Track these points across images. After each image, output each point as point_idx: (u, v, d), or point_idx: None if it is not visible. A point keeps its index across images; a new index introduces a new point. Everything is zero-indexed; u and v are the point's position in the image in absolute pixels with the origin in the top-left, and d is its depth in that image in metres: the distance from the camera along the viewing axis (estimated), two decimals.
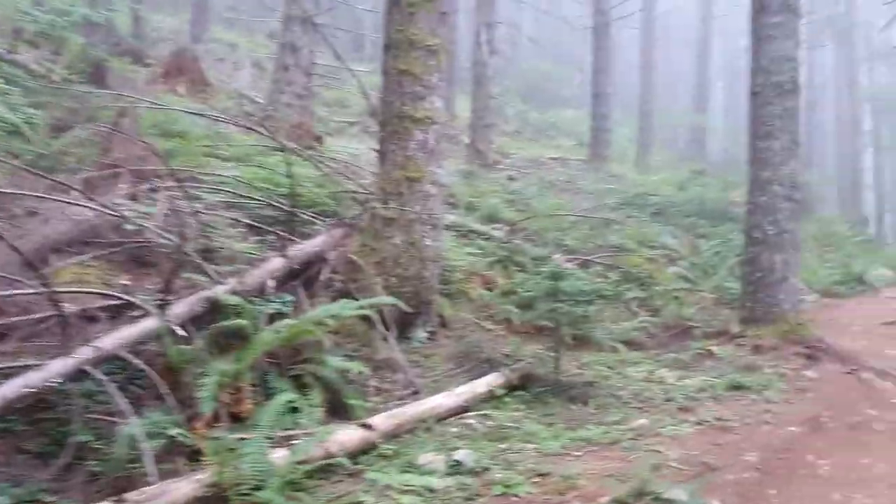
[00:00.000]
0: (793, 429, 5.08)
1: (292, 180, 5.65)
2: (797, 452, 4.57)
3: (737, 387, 5.94)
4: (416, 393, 5.07)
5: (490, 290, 7.12)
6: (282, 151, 6.19)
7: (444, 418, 4.88)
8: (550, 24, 23.48)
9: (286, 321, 4.75)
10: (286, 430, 4.23)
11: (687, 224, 13.26)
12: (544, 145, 18.07)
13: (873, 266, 14.91)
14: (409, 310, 5.28)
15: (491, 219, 9.21)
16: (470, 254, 7.61)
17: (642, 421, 4.99)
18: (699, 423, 5.04)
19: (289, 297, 5.03)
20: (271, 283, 4.94)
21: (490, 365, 5.75)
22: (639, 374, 6.35)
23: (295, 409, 4.44)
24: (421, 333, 5.70)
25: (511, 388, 5.50)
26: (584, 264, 8.95)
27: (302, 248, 5.34)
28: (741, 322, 7.43)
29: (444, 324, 6.06)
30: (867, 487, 4.03)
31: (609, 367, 6.47)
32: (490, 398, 5.28)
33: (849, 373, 6.54)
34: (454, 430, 4.77)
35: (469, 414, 5.03)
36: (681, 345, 7.41)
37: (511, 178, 12.93)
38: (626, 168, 18.27)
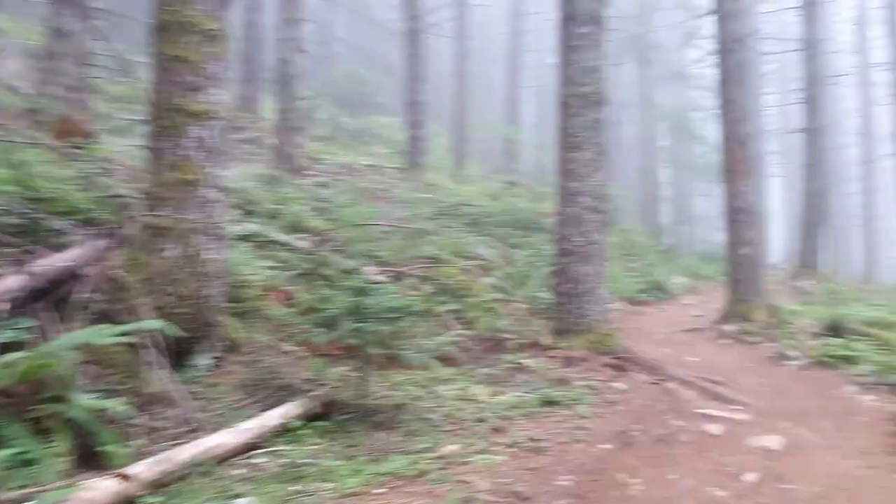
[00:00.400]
0: (604, 445, 5.04)
1: (29, 180, 4.73)
2: (609, 472, 4.50)
3: (549, 402, 5.87)
4: (194, 431, 4.39)
5: (291, 307, 6.55)
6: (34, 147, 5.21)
7: (227, 459, 4.26)
8: (364, 28, 23.26)
9: (22, 353, 3.90)
10: (20, 488, 3.43)
11: (501, 234, 13.46)
12: (359, 152, 17.71)
13: (672, 274, 16.10)
14: (185, 334, 4.59)
15: (295, 228, 8.62)
16: (268, 267, 7.00)
17: (452, 447, 4.69)
18: (511, 446, 4.84)
19: (29, 323, 4.17)
20: (4, 306, 4.05)
21: (288, 392, 5.21)
22: (451, 393, 6.09)
23: (30, 462, 3.63)
24: (204, 360, 5.02)
25: (311, 418, 4.99)
26: (397, 276, 8.64)
27: (50, 263, 4.47)
28: (553, 333, 7.47)
29: (233, 348, 5.41)
30: None
31: (421, 387, 6.16)
32: (284, 431, 4.73)
33: (655, 383, 6.74)
34: (238, 472, 4.17)
35: (258, 452, 4.45)
36: (494, 358, 7.30)
37: (321, 185, 12.38)
38: (442, 178, 18.38)
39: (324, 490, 3.93)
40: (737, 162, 10.66)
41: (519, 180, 21.62)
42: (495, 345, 7.74)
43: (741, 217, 10.47)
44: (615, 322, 11.28)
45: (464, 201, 15.12)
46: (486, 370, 6.78)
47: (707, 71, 32.20)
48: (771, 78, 32.66)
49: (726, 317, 10.29)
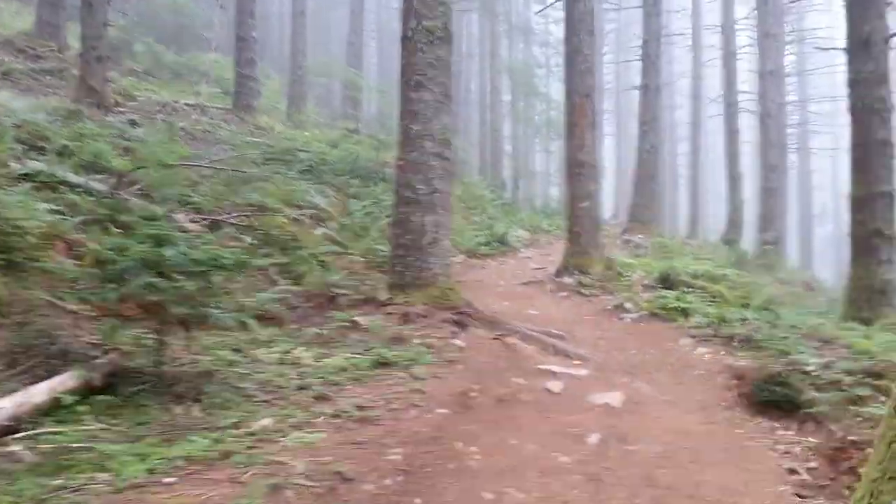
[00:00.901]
0: (441, 410, 4.62)
1: None
2: (446, 441, 4.07)
3: (383, 363, 5.37)
4: None
5: (77, 258, 5.54)
6: None
7: None
8: None
9: None
10: None
11: (338, 183, 12.72)
12: (181, 90, 16.08)
13: (512, 228, 16.14)
14: None
15: (93, 168, 7.45)
16: (53, 211, 5.90)
17: (266, 421, 4.06)
18: (337, 416, 4.29)
19: None
20: None
21: (64, 361, 4.31)
22: (272, 357, 5.44)
23: None
24: None
25: (93, 391, 4.14)
26: (215, 225, 7.75)
27: None
28: (390, 288, 6.96)
29: None
30: (518, 478, 3.63)
31: (235, 351, 5.44)
32: (55, 409, 3.87)
33: (496, 339, 6.44)
34: None
35: (17, 436, 3.58)
36: (325, 316, 6.68)
37: (134, 124, 10.99)
38: (275, 122, 17.22)
39: (96, 482, 3.18)
40: (581, 115, 10.59)
41: (360, 128, 20.82)
42: (326, 301, 7.11)
43: (582, 171, 10.45)
44: (456, 275, 11.07)
45: (298, 147, 14.18)
46: (314, 330, 6.15)
47: (552, 27, 32.87)
48: (608, 36, 33.79)
49: (565, 269, 10.30)
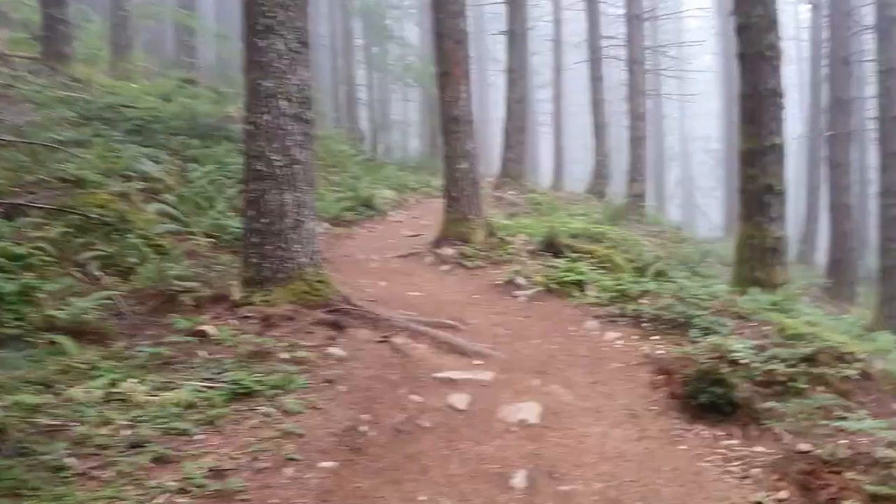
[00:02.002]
0: (326, 464, 3.62)
1: None
2: None
3: (242, 393, 4.26)
4: None
5: None
6: None
7: None
8: None
9: None
10: None
11: (174, 145, 11.07)
12: None
13: (378, 188, 15.06)
14: None
15: None
16: None
17: None
18: (184, 491, 3.19)
19: None
20: None
21: None
22: (92, 395, 4.17)
23: None
24: None
25: None
26: (15, 211, 6.19)
27: None
28: (245, 284, 5.77)
29: None
30: None
31: (41, 389, 4.14)
32: None
33: (382, 341, 5.47)
34: None
35: None
36: (163, 325, 5.41)
37: None
38: (97, 73, 14.99)
39: None
40: (454, 63, 9.61)
41: (198, 77, 18.75)
42: (165, 302, 5.82)
43: (459, 128, 9.53)
44: (322, 251, 9.92)
45: (123, 102, 12.27)
46: (148, 348, 4.88)
47: None
48: None
49: (444, 239, 9.43)
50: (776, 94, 8.21)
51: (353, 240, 10.89)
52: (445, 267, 8.79)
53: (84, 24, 18.77)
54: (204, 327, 5.24)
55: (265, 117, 5.80)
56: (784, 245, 8.36)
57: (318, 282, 5.83)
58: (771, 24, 8.19)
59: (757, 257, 8.30)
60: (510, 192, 15.55)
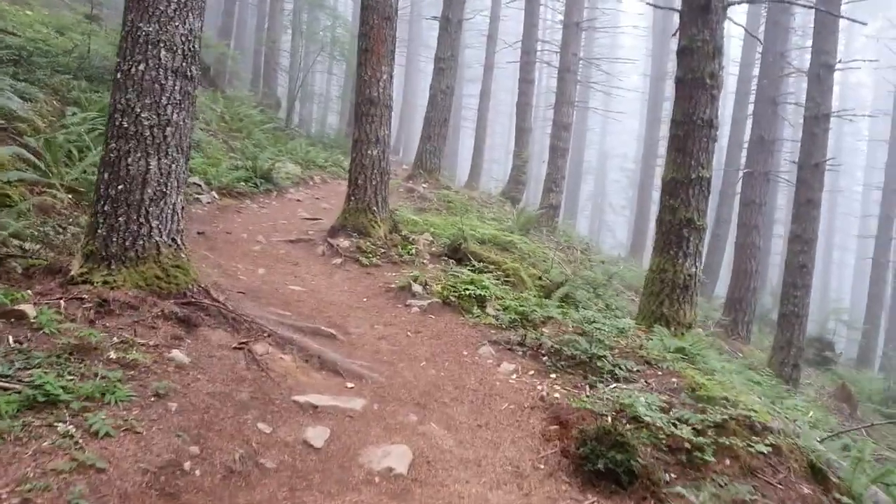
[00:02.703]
0: None
1: None
2: None
3: (42, 402, 3.39)
4: None
5: None
6: None
7: None
8: None
9: None
10: None
11: (56, 84, 9.81)
12: None
13: (281, 161, 14.05)
14: None
15: None
16: None
17: None
18: None
19: None
20: None
21: None
22: None
23: None
24: None
25: None
26: None
27: None
28: (88, 258, 4.82)
29: None
30: None
31: None
32: None
33: (239, 347, 4.66)
34: None
35: None
36: None
37: None
38: None
39: None
40: (379, 40, 8.81)
41: (102, 16, 17.14)
42: None
43: (374, 111, 8.74)
44: (203, 222, 8.94)
45: (6, 28, 10.84)
46: None
47: None
48: None
49: (342, 228, 8.64)
50: (710, 125, 7.83)
51: (240, 215, 9.93)
52: (338, 260, 8.00)
53: None
54: (23, 306, 4.28)
55: (140, 67, 4.86)
56: (696, 283, 8.01)
57: (176, 266, 4.95)
58: (715, 50, 7.80)
59: (666, 293, 7.92)
60: (423, 186, 14.84)
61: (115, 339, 4.17)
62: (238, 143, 14.30)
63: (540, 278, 8.87)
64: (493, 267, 8.65)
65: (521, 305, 6.80)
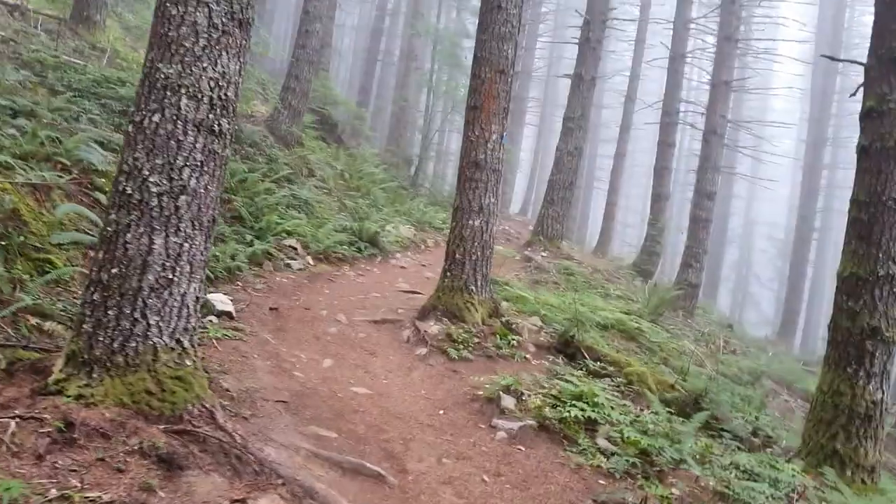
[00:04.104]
0: None
1: None
2: None
3: None
4: None
5: None
6: None
7: None
8: None
9: None
10: None
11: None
12: None
13: (393, 223, 13.03)
14: None
15: None
16: None
17: None
18: None
19: None
20: None
21: None
22: None
23: None
24: None
25: None
26: None
27: None
28: (69, 359, 3.70)
29: None
30: None
31: None
32: None
33: (237, 502, 3.32)
34: None
35: None
36: None
37: None
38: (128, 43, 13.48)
39: None
40: (489, 97, 7.54)
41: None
42: None
43: (478, 175, 7.43)
44: (286, 293, 7.89)
45: (125, 78, 10.59)
46: None
47: None
48: (546, 19, 30.97)
49: (433, 310, 7.30)
50: None
51: (332, 285, 8.82)
52: (422, 350, 6.63)
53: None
54: None
55: (153, 118, 3.78)
56: (881, 413, 5.98)
57: (176, 378, 3.73)
58: None
59: (841, 423, 5.93)
60: (541, 254, 13.32)
61: (54, 491, 2.96)
62: (351, 201, 13.44)
63: (672, 386, 7.07)
64: (612, 369, 6.99)
65: (644, 436, 5.11)
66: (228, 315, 6.32)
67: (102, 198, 6.89)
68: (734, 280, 45.26)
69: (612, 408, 5.70)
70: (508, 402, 5.45)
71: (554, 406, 5.49)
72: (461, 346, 6.70)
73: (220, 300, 6.41)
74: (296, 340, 6.33)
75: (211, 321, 6.10)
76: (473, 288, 7.36)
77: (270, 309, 7.01)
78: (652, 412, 6.17)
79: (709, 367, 9.32)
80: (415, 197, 17.60)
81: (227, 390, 4.41)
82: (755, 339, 18.92)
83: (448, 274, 7.45)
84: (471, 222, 7.40)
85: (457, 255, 7.42)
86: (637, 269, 16.75)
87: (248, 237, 8.85)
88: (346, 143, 18.73)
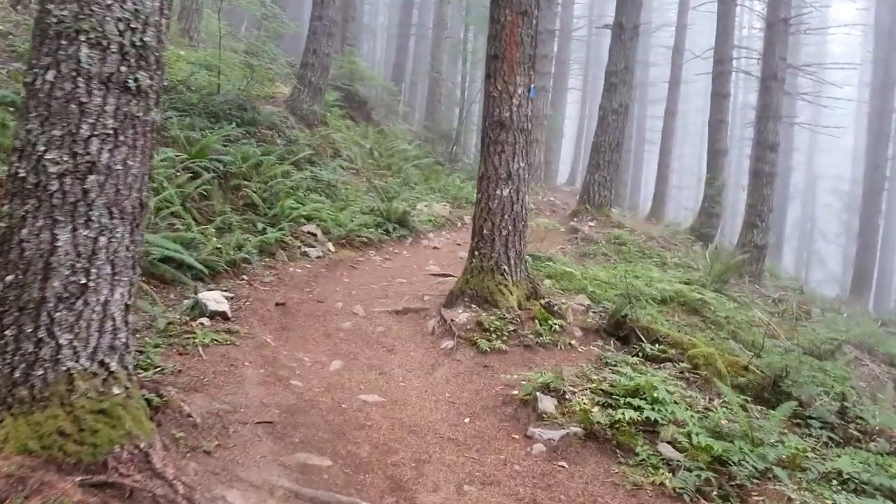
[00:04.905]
0: None
1: None
2: None
3: None
4: None
5: None
6: None
7: None
8: None
9: None
10: None
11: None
12: None
13: (425, 200, 12.07)
14: None
15: None
16: None
17: None
18: None
19: None
20: None
21: None
22: None
23: None
24: None
25: None
26: None
27: None
28: None
29: None
30: None
31: None
32: None
33: None
34: None
35: None
36: None
37: None
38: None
39: None
40: (512, 44, 6.47)
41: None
42: None
43: (504, 136, 6.39)
44: (300, 283, 7.03)
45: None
46: None
47: None
48: None
49: (461, 295, 6.33)
50: None
51: (353, 272, 7.93)
52: (448, 343, 5.67)
53: None
54: None
55: (47, 76, 2.89)
56: None
57: (98, 413, 2.86)
58: None
59: None
60: (588, 224, 12.18)
61: None
62: (380, 180, 12.51)
63: (746, 368, 5.96)
64: (673, 352, 5.92)
65: (717, 440, 4.06)
66: (223, 316, 5.48)
67: None
68: (797, 238, 42.98)
69: (676, 402, 4.66)
70: (548, 404, 4.46)
71: (604, 406, 4.48)
72: (494, 336, 5.71)
73: (214, 299, 5.56)
74: (301, 340, 5.45)
75: (201, 324, 5.26)
76: (506, 267, 6.35)
77: (277, 304, 6.15)
78: (724, 403, 5.13)
79: (784, 339, 8.13)
80: (451, 173, 16.56)
81: (189, 416, 3.54)
82: (827, 299, 17.39)
83: (476, 253, 6.46)
84: (498, 192, 6.38)
85: (485, 231, 6.42)
86: (696, 234, 15.40)
87: (261, 225, 8.03)
88: (377, 120, 17.79)
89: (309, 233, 8.70)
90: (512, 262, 6.39)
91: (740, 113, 32.19)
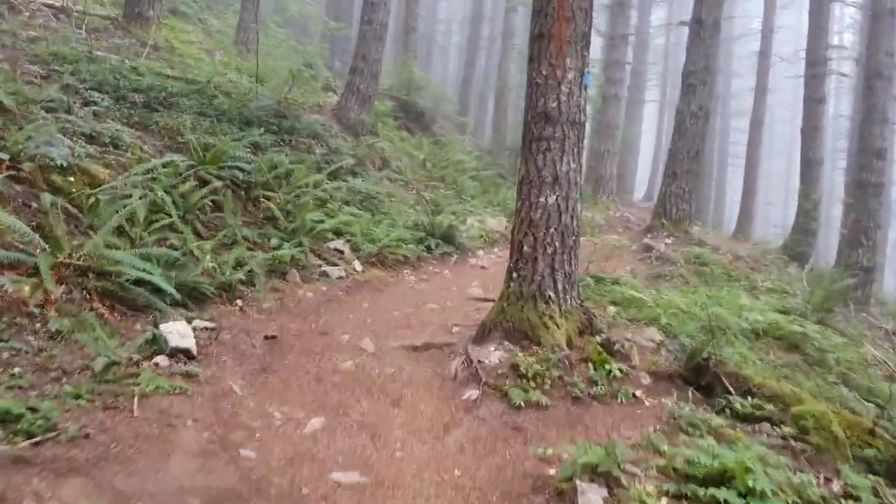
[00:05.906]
0: None
1: None
2: None
3: None
4: None
5: None
6: None
7: None
8: None
9: None
10: None
11: (174, 125, 7.65)
12: None
13: (476, 213, 10.78)
14: None
15: None
16: None
17: None
18: None
19: None
20: None
21: None
22: None
23: None
24: None
25: None
26: None
27: None
28: None
29: None
30: None
31: None
32: None
33: None
34: None
35: None
36: None
37: None
38: (194, 43, 12.15)
39: None
40: (560, 19, 5.13)
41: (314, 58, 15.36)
42: None
43: (549, 131, 5.04)
44: (304, 311, 5.83)
45: (161, 70, 9.15)
46: None
47: None
48: None
49: (494, 328, 4.98)
50: None
51: (378, 296, 6.68)
52: (472, 393, 4.33)
53: None
54: None
55: None
56: None
57: None
58: None
59: None
60: (664, 242, 10.59)
61: None
62: (431, 192, 11.30)
63: (872, 432, 4.38)
64: (772, 408, 4.40)
65: None
66: (186, 353, 4.32)
67: (52, 200, 5.11)
68: None
69: (782, 491, 3.19)
70: (593, 498, 3.06)
71: (677, 498, 3.06)
72: (531, 385, 4.34)
73: (179, 332, 4.41)
74: (281, 387, 4.22)
75: (155, 365, 4.11)
76: (551, 294, 4.97)
77: (266, 337, 4.96)
78: (846, 487, 3.62)
79: None
80: (513, 186, 15.21)
81: None
82: None
83: (514, 275, 5.11)
84: (542, 199, 5.02)
85: (525, 248, 5.06)
86: (789, 253, 13.48)
87: (276, 240, 6.91)
88: (436, 133, 16.65)
89: (335, 249, 7.55)
90: (559, 286, 5.00)
91: (832, 121, 29.53)
